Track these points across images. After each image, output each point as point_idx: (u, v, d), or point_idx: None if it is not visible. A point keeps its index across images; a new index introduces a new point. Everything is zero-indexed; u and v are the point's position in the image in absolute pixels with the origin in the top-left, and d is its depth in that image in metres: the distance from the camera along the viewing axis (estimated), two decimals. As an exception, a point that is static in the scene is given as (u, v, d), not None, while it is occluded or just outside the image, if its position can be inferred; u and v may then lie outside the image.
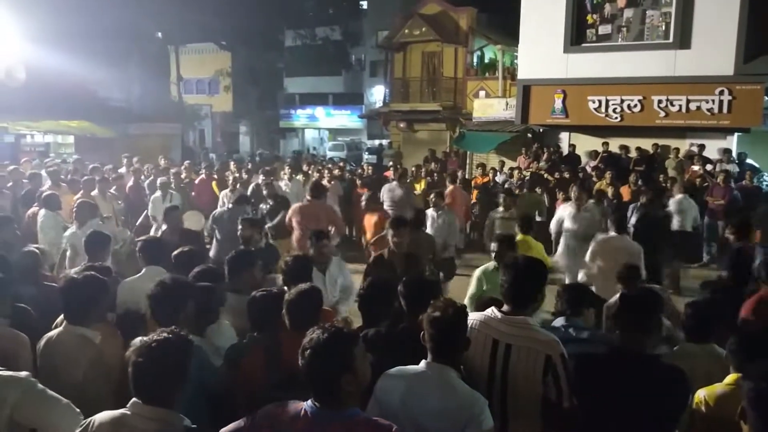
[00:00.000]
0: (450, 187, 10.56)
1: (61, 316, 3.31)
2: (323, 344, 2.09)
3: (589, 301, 3.47)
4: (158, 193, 9.62)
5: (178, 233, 6.54)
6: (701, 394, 2.88)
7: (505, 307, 2.90)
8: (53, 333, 3.19)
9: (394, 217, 5.74)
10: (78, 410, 2.58)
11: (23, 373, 2.57)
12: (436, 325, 2.58)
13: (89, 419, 2.27)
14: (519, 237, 6.16)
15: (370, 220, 8.27)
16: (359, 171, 15.49)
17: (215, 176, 11.98)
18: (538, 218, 9.50)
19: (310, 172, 13.82)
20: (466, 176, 15.16)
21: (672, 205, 9.81)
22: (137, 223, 9.85)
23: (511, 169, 14.48)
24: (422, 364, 2.61)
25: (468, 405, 2.48)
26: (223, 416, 2.95)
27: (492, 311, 2.91)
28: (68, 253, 6.33)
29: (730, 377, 2.91)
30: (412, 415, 2.48)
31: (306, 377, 2.12)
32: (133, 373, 2.20)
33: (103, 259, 4.77)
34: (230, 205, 8.17)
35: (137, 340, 2.53)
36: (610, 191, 11.30)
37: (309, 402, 2.15)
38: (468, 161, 19.00)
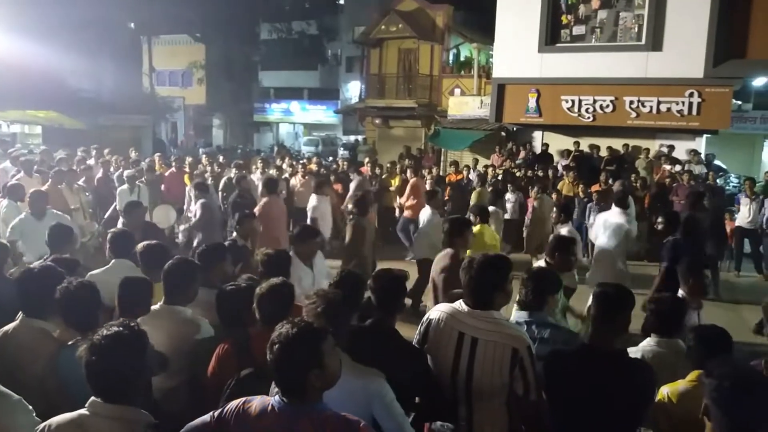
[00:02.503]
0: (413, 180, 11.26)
1: None
2: (292, 339, 2.05)
3: (555, 288, 3.43)
4: (125, 186, 9.46)
5: (140, 229, 6.14)
6: (664, 391, 2.93)
7: (470, 303, 2.92)
8: (9, 327, 3.10)
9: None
10: (30, 407, 2.47)
11: None
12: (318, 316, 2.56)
13: (45, 423, 2.15)
14: (476, 228, 6.40)
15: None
16: (334, 167, 15.42)
17: (186, 169, 11.80)
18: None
19: (284, 166, 13.69)
20: (440, 173, 15.20)
21: None
22: (105, 216, 9.65)
23: (486, 167, 14.57)
24: None
25: (368, 382, 2.52)
26: (191, 410, 2.93)
27: (460, 304, 2.93)
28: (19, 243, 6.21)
29: (692, 374, 2.96)
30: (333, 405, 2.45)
31: (274, 372, 2.09)
32: (87, 371, 2.10)
33: (67, 251, 4.66)
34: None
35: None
36: (579, 191, 11.51)
37: (276, 397, 2.11)
38: (442, 158, 19.06)
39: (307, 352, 2.05)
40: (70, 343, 2.86)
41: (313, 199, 9.30)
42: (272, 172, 12.00)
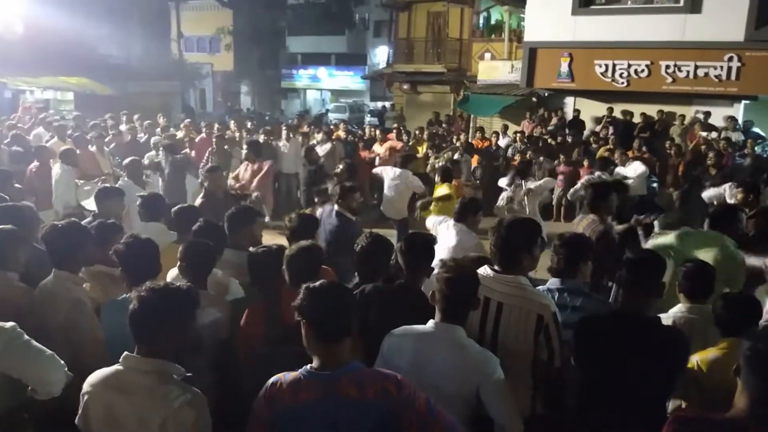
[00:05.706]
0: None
1: None
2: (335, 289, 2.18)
3: (588, 256, 3.36)
4: (153, 152, 9.63)
5: (222, 193, 6.25)
6: (694, 360, 2.89)
7: (496, 267, 2.89)
8: (46, 279, 3.21)
9: None
10: (62, 362, 2.57)
11: (9, 324, 2.55)
12: (449, 285, 2.52)
13: (86, 382, 2.22)
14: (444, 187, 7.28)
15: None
16: (360, 133, 15.35)
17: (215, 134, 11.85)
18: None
19: (310, 133, 13.65)
20: (469, 140, 15.02)
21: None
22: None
23: (516, 133, 14.35)
24: (430, 323, 2.56)
25: (481, 364, 2.47)
26: (221, 369, 2.99)
27: (485, 269, 2.90)
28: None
29: (722, 341, 2.92)
30: (423, 375, 2.43)
31: (324, 322, 2.09)
32: (132, 318, 2.17)
33: (115, 214, 4.71)
34: None
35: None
36: (616, 156, 11.25)
37: (302, 370, 2.10)
38: (472, 125, 18.83)
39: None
40: (121, 297, 2.97)
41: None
42: (298, 138, 12.00)
